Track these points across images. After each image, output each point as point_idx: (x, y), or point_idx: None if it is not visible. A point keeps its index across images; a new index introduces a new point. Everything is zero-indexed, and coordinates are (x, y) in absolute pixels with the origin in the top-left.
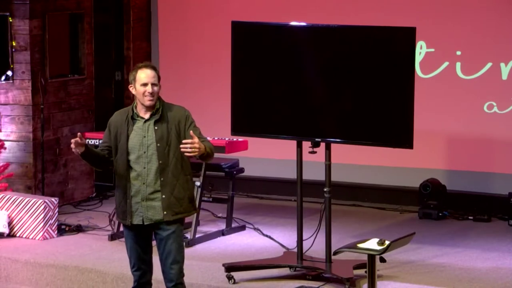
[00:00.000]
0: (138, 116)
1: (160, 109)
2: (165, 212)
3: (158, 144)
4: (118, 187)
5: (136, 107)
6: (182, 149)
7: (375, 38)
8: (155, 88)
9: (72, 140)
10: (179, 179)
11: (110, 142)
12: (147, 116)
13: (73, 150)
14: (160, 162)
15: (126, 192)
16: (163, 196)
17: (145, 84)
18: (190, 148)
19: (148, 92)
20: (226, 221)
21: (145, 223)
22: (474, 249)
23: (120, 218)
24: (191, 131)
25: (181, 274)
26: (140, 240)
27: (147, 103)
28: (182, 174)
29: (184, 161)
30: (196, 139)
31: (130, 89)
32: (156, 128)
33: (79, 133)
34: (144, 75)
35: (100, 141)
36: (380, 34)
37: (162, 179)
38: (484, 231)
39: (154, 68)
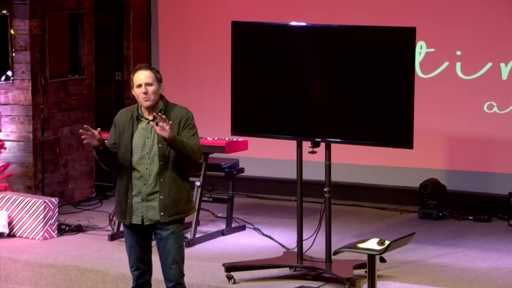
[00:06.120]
0: (142, 116)
1: (163, 110)
2: (161, 213)
3: (160, 145)
4: (119, 187)
5: (140, 107)
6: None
7: (375, 38)
8: (149, 88)
9: (88, 130)
10: (177, 180)
11: (116, 140)
12: (150, 117)
13: (84, 137)
14: (161, 162)
15: (127, 192)
16: (161, 196)
17: (139, 85)
18: (161, 121)
19: (142, 93)
20: (226, 221)
21: (145, 223)
22: (474, 249)
23: (119, 218)
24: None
25: (180, 274)
26: (139, 240)
27: (144, 104)
28: (180, 175)
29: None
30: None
31: (132, 92)
32: None
33: (99, 128)
34: (138, 76)
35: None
36: (380, 34)
37: (161, 179)
38: (484, 231)
39: (149, 68)
